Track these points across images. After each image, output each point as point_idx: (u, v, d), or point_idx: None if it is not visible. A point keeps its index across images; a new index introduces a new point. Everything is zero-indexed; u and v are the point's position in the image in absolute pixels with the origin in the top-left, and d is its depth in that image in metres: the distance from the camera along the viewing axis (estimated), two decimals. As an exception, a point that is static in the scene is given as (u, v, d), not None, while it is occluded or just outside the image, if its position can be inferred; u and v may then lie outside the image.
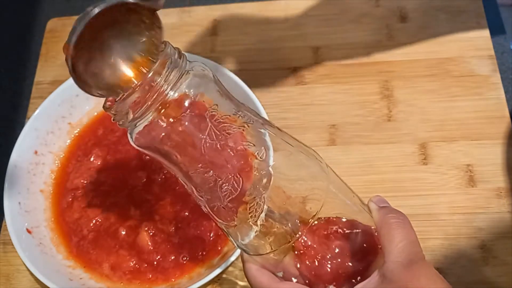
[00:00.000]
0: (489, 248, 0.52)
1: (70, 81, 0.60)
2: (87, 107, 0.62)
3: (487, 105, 0.59)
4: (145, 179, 0.57)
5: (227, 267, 0.50)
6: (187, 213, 0.55)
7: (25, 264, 0.51)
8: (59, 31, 0.71)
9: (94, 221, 0.55)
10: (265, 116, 0.54)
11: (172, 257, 0.53)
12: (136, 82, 0.36)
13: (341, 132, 0.59)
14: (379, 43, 0.64)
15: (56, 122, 0.60)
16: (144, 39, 0.37)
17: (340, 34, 0.65)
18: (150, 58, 0.37)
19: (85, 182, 0.58)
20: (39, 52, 0.69)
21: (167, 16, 0.69)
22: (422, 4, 0.66)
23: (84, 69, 0.36)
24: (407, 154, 0.57)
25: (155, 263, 0.53)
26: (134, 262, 0.53)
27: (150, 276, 0.53)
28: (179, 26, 0.68)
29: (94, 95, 0.36)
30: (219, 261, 0.51)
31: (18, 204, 0.55)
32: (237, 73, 0.57)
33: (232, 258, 0.49)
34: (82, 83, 0.36)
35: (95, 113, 0.62)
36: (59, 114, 0.60)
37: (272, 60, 0.65)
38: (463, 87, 0.60)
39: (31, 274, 0.52)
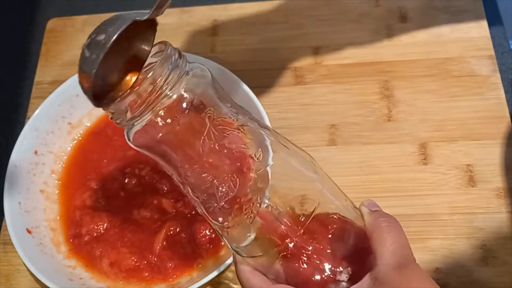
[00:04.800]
0: (489, 248, 0.52)
1: (70, 81, 0.60)
2: (87, 107, 0.62)
3: (487, 105, 0.59)
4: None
5: (227, 268, 0.50)
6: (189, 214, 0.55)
7: (25, 264, 0.51)
8: (59, 31, 0.71)
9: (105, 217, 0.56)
10: (265, 116, 0.54)
11: (173, 257, 0.53)
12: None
13: (341, 132, 0.59)
14: (379, 43, 0.64)
15: (56, 122, 0.60)
16: (140, 43, 0.38)
17: (340, 34, 0.65)
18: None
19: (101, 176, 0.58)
20: (39, 52, 0.70)
21: (167, 16, 0.69)
22: (422, 4, 0.66)
23: (99, 91, 0.36)
24: (407, 154, 0.57)
25: (153, 261, 0.53)
26: (134, 260, 0.53)
27: (147, 274, 0.53)
28: (179, 26, 0.68)
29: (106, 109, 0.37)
30: (219, 261, 0.51)
31: (18, 204, 0.55)
32: (237, 73, 0.57)
33: (230, 260, 0.49)
34: (100, 103, 0.36)
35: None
36: (59, 114, 0.60)
37: (272, 60, 0.65)
38: (463, 87, 0.60)
39: (31, 274, 0.52)
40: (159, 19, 0.69)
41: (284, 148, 0.38)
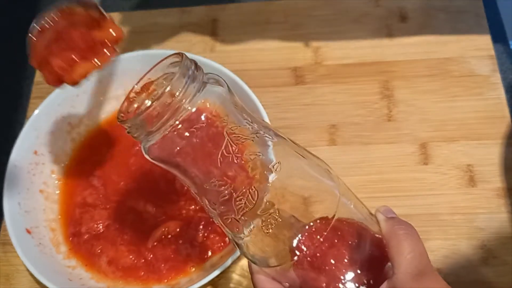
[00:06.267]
0: (489, 248, 0.52)
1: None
2: (87, 107, 0.62)
3: (487, 105, 0.59)
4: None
5: (227, 268, 0.50)
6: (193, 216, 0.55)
7: (24, 264, 0.51)
8: (59, 31, 0.71)
9: (105, 213, 0.56)
10: (265, 116, 0.54)
11: (167, 259, 0.53)
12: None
13: (341, 132, 0.59)
14: (379, 43, 0.64)
15: (56, 122, 0.60)
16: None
17: (340, 34, 0.65)
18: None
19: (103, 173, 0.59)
20: (39, 52, 0.70)
21: (167, 16, 0.69)
22: (422, 4, 0.66)
23: None
24: (407, 154, 0.57)
25: (149, 258, 0.53)
26: (132, 258, 0.54)
27: (143, 273, 0.53)
28: (179, 26, 0.68)
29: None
30: (218, 261, 0.51)
31: (17, 204, 0.55)
32: (237, 73, 0.57)
33: (230, 260, 0.49)
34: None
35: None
36: (59, 114, 0.60)
37: (272, 60, 0.65)
38: (463, 87, 0.60)
39: (31, 274, 0.52)
40: (160, 19, 0.70)
41: (300, 157, 0.38)
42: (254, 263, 0.38)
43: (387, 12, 0.66)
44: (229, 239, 0.39)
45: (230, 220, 0.37)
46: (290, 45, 0.65)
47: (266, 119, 0.54)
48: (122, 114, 0.37)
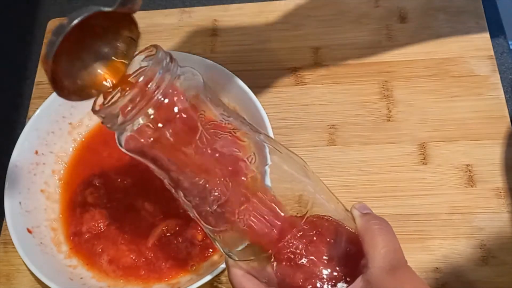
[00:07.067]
0: (488, 248, 0.52)
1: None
2: (88, 107, 0.61)
3: (487, 105, 0.59)
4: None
5: (224, 270, 0.50)
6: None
7: (25, 264, 0.51)
8: (59, 31, 0.71)
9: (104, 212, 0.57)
10: (265, 116, 0.55)
11: (167, 258, 0.54)
12: (109, 84, 0.36)
13: (340, 132, 0.60)
14: (379, 43, 0.64)
15: (57, 122, 0.60)
16: (120, 44, 0.37)
17: (340, 34, 0.65)
18: (125, 61, 0.37)
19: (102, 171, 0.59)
20: (39, 52, 0.70)
21: (167, 17, 0.70)
22: (422, 4, 0.66)
23: (63, 76, 0.35)
24: (406, 154, 0.58)
25: (150, 257, 0.54)
26: (133, 257, 0.54)
27: (143, 272, 0.53)
28: (179, 26, 0.69)
29: (71, 100, 0.36)
30: (219, 260, 0.52)
31: (18, 204, 0.55)
32: (237, 73, 0.57)
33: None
34: (61, 91, 0.36)
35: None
36: (59, 114, 0.60)
37: (272, 60, 0.65)
38: (463, 87, 0.60)
39: (32, 274, 0.52)
40: (160, 19, 0.70)
41: (276, 152, 0.38)
42: (230, 257, 0.38)
43: (387, 13, 0.66)
44: (205, 232, 0.39)
45: (205, 212, 0.37)
46: (290, 45, 0.66)
47: (266, 120, 0.55)
48: (97, 106, 0.37)
